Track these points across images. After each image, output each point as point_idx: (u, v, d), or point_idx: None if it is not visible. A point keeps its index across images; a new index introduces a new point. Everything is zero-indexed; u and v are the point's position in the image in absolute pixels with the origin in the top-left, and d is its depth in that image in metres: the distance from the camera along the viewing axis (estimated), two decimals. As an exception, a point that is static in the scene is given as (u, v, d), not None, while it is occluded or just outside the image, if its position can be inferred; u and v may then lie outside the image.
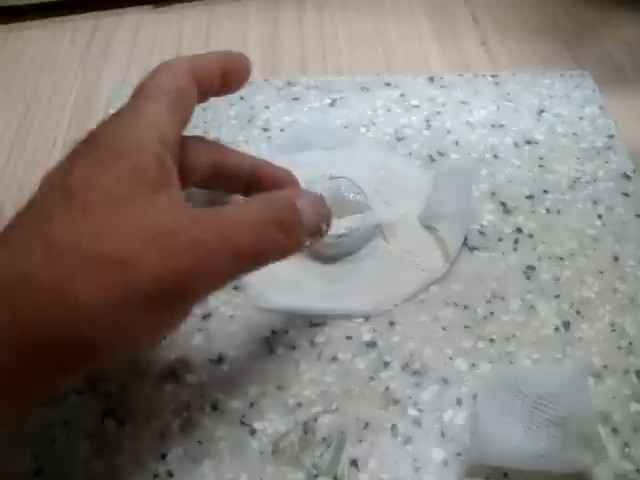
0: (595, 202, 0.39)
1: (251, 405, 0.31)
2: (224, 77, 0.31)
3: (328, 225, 0.30)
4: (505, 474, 0.28)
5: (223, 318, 0.34)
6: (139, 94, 0.28)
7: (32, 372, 0.22)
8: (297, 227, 0.28)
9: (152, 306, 0.23)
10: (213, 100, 0.44)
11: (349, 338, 0.33)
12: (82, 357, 0.23)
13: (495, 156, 0.41)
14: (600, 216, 0.38)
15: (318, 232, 0.29)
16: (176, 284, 0.23)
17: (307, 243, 0.29)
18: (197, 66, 0.30)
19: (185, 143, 0.29)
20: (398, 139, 0.42)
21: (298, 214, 0.28)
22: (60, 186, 0.24)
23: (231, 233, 0.25)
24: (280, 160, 0.39)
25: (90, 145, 0.26)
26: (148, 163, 0.25)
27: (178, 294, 0.24)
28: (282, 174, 0.34)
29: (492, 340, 0.33)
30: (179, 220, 0.25)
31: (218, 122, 0.43)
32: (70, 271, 0.22)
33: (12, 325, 0.22)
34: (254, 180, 0.33)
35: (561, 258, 0.36)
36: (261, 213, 0.26)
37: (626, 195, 0.39)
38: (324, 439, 0.30)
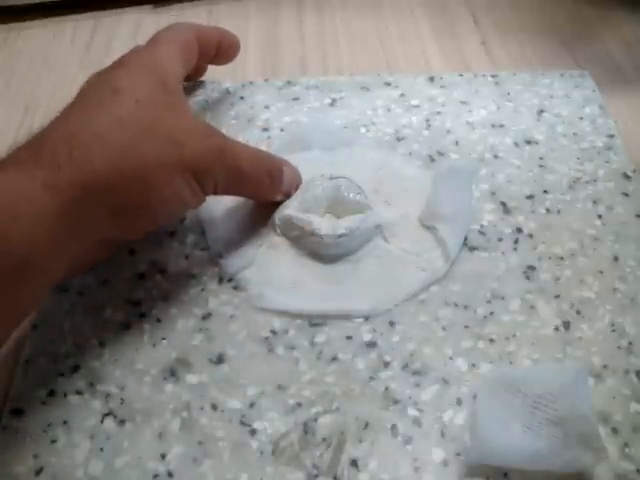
0: (595, 202, 0.39)
1: (251, 405, 0.31)
2: (219, 47, 0.40)
3: (295, 189, 0.37)
4: (505, 474, 0.28)
5: (223, 318, 0.34)
6: (153, 40, 0.36)
7: (98, 214, 0.29)
8: (278, 181, 0.36)
9: (190, 175, 0.31)
10: (213, 100, 0.45)
11: (349, 338, 0.33)
12: (139, 204, 0.30)
13: (495, 156, 0.41)
14: (600, 216, 0.38)
15: (287, 193, 0.37)
16: (203, 167, 0.31)
17: (278, 198, 0.36)
18: (200, 30, 0.39)
19: None
20: (398, 139, 0.42)
21: (282, 173, 0.36)
22: (108, 87, 0.31)
23: (241, 155, 0.33)
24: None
25: (121, 66, 0.33)
26: (172, 82, 0.33)
27: (204, 173, 0.31)
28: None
29: (492, 340, 0.33)
30: (209, 125, 0.34)
31: (218, 122, 0.43)
32: (137, 139, 0.29)
33: (86, 170, 0.28)
34: None
35: (561, 258, 0.36)
36: (263, 158, 0.36)
37: (626, 195, 0.39)
38: (324, 439, 0.30)
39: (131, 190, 0.29)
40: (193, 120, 0.33)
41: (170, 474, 0.29)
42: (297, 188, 0.37)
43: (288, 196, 0.37)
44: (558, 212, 0.38)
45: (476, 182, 0.40)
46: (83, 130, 0.29)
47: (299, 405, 0.31)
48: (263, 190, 0.35)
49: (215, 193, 0.33)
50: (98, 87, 0.32)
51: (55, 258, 0.28)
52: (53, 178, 0.27)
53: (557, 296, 0.34)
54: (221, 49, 0.41)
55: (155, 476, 0.29)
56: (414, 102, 0.45)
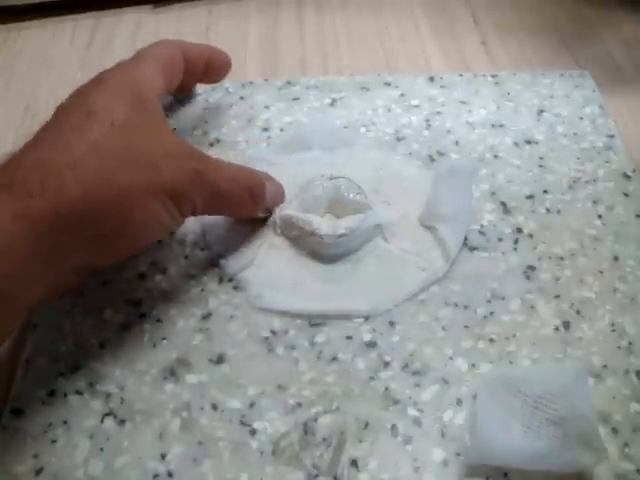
0: (595, 202, 0.39)
1: (251, 405, 0.31)
2: (208, 65, 0.39)
3: (279, 203, 0.37)
4: (505, 474, 0.28)
5: (223, 318, 0.34)
6: (136, 56, 0.35)
7: (73, 243, 0.28)
8: (260, 198, 0.35)
9: (166, 199, 0.30)
10: (213, 100, 0.45)
11: (349, 338, 0.33)
12: (112, 233, 0.29)
13: (495, 156, 0.41)
14: (600, 216, 0.38)
15: (269, 210, 0.37)
16: (180, 189, 0.31)
17: (260, 215, 0.36)
18: (187, 47, 0.38)
19: None
20: (398, 139, 0.42)
21: (264, 190, 0.35)
22: (83, 110, 0.30)
23: (219, 175, 0.33)
24: (280, 160, 0.39)
25: (99, 84, 0.32)
26: (150, 101, 0.32)
27: (182, 195, 0.31)
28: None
29: (492, 340, 0.33)
30: (188, 146, 0.33)
31: (218, 122, 0.43)
32: (112, 165, 0.29)
33: (59, 199, 0.27)
34: None
35: (561, 258, 0.36)
36: (243, 176, 0.35)
37: (626, 195, 0.39)
38: (324, 439, 0.30)
39: (106, 218, 0.29)
40: (170, 141, 0.32)
41: (170, 474, 0.29)
42: (281, 202, 0.37)
43: (270, 212, 0.37)
44: (558, 212, 0.38)
45: (476, 182, 0.40)
46: (56, 156, 0.28)
47: (299, 405, 0.31)
48: (244, 209, 0.35)
49: (194, 214, 0.32)
50: (73, 108, 0.31)
51: (27, 288, 0.27)
52: (24, 208, 0.26)
53: (557, 296, 0.34)
54: (210, 67, 0.40)
55: (155, 476, 0.29)
56: (414, 102, 0.45)
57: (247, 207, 0.35)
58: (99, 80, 0.32)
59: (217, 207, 0.34)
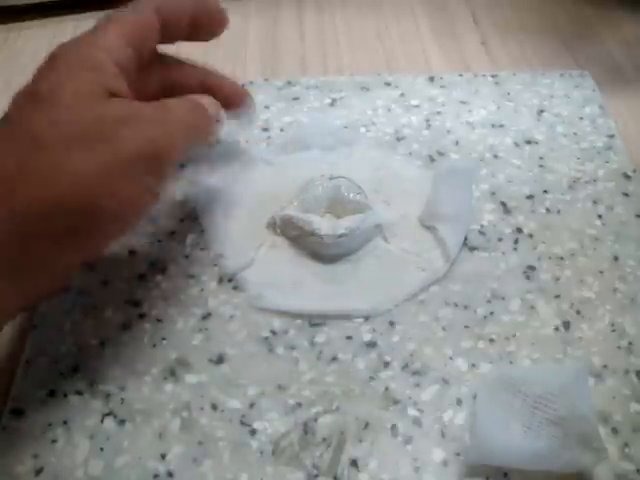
0: (595, 202, 0.39)
1: (251, 405, 0.31)
2: (194, 21, 0.34)
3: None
4: (505, 474, 0.28)
5: (223, 318, 0.34)
6: (101, 22, 0.31)
7: (38, 244, 0.26)
8: (210, 119, 0.33)
9: (135, 171, 0.28)
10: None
11: (349, 338, 0.33)
12: (82, 225, 0.27)
13: (495, 156, 0.41)
14: (600, 216, 0.38)
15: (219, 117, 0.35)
16: (149, 151, 0.28)
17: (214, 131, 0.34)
18: (165, 5, 0.33)
19: (142, 65, 0.32)
20: (398, 139, 0.42)
21: (208, 109, 0.33)
22: (29, 94, 0.28)
23: (179, 113, 0.31)
24: (280, 160, 0.39)
25: (51, 62, 0.29)
26: (104, 70, 0.29)
27: (153, 159, 0.28)
28: (229, 86, 0.37)
29: (492, 340, 0.33)
30: (141, 107, 0.29)
31: (218, 122, 0.43)
32: (60, 152, 0.26)
33: (12, 202, 0.25)
34: (205, 92, 0.35)
35: (561, 258, 0.36)
36: (192, 114, 0.32)
37: (626, 195, 0.39)
38: (324, 439, 0.30)
39: (68, 214, 0.26)
40: (121, 106, 0.29)
41: (170, 474, 0.29)
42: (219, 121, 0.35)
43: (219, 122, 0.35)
44: (558, 212, 0.38)
45: (476, 182, 0.40)
46: (3, 160, 0.26)
47: (299, 405, 0.31)
48: (205, 126, 0.34)
49: (171, 175, 0.31)
50: (22, 94, 0.28)
51: (2, 303, 0.26)
52: None
53: (557, 296, 0.34)
54: (198, 24, 0.34)
55: (155, 476, 0.29)
56: (414, 102, 0.45)
57: (205, 125, 0.34)
58: (51, 58, 0.29)
59: (189, 142, 0.32)
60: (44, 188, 0.26)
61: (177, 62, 0.36)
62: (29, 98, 0.28)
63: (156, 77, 0.35)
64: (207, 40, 0.36)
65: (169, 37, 0.33)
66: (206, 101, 0.33)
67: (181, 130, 0.31)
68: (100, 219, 0.27)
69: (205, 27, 0.35)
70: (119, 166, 0.27)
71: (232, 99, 0.37)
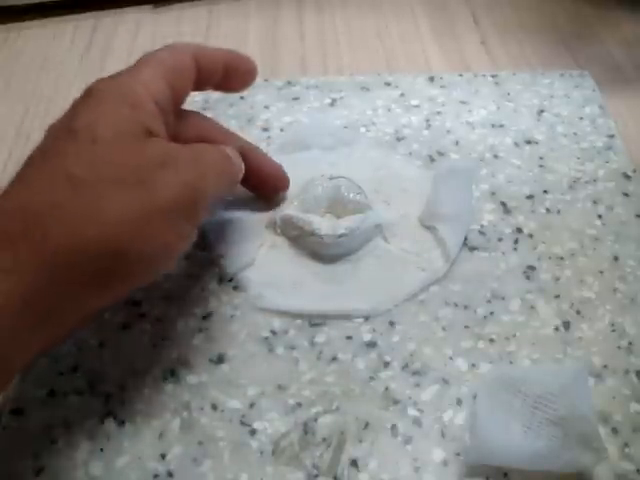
0: (595, 202, 0.39)
1: (251, 405, 0.31)
2: (226, 72, 0.33)
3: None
4: (505, 474, 0.28)
5: (223, 318, 0.34)
6: (139, 61, 0.31)
7: (68, 290, 0.25)
8: (239, 171, 0.33)
9: (171, 217, 0.27)
10: (213, 100, 0.45)
11: (349, 338, 0.33)
12: (114, 271, 0.26)
13: (495, 156, 0.41)
14: (600, 216, 0.38)
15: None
16: (186, 196, 0.28)
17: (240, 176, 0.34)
18: (201, 52, 0.32)
19: (177, 115, 0.32)
20: (398, 139, 0.42)
21: (238, 162, 0.33)
22: (65, 129, 0.27)
23: (212, 158, 0.31)
24: (280, 160, 0.39)
25: (89, 97, 0.28)
26: (143, 109, 0.28)
27: (189, 204, 0.28)
28: (270, 166, 0.37)
29: (492, 340, 0.33)
30: (177, 149, 0.29)
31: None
32: (97, 195, 0.25)
33: (44, 247, 0.24)
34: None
35: (561, 258, 0.36)
36: (225, 165, 0.32)
37: (626, 195, 0.39)
38: (324, 439, 0.30)
39: (98, 258, 0.25)
40: (160, 149, 0.28)
41: (170, 474, 0.29)
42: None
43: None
44: (558, 212, 0.38)
45: (476, 182, 0.40)
46: (37, 197, 0.25)
47: (299, 405, 0.31)
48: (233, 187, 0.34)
49: (209, 215, 0.31)
50: (58, 128, 0.28)
51: (21, 346, 0.25)
52: (10, 262, 0.24)
53: (557, 296, 0.34)
54: (230, 74, 0.34)
55: (155, 476, 0.29)
56: (414, 102, 0.45)
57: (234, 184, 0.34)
58: (88, 93, 0.29)
59: (224, 187, 0.32)
60: (78, 233, 0.25)
61: (216, 124, 0.35)
62: (66, 134, 0.27)
63: (192, 130, 0.33)
64: (236, 91, 0.36)
65: (202, 83, 0.33)
66: (231, 152, 0.33)
67: (213, 176, 0.30)
68: (133, 264, 0.26)
69: (236, 78, 0.34)
70: (157, 212, 0.26)
71: (272, 181, 0.37)
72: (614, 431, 0.30)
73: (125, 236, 0.26)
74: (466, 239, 0.37)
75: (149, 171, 0.27)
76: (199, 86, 0.33)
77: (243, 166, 0.34)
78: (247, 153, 0.35)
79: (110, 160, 0.26)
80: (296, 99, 0.45)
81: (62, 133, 0.27)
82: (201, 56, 0.32)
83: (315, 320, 0.34)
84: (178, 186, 0.27)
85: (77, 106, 0.28)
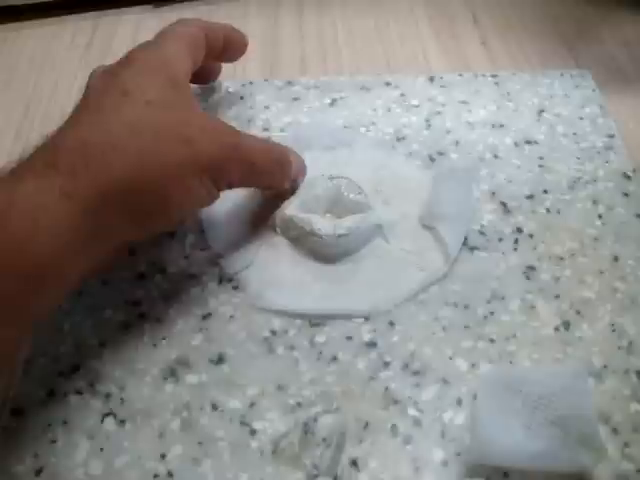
0: (595, 202, 0.39)
1: (251, 405, 0.31)
2: (226, 44, 0.39)
3: (302, 177, 0.38)
4: (505, 474, 0.28)
5: (223, 318, 0.34)
6: (159, 36, 0.35)
7: (113, 218, 0.29)
8: (288, 170, 0.36)
9: (204, 174, 0.31)
10: (213, 100, 0.45)
11: (349, 338, 0.33)
12: (152, 209, 0.30)
13: (495, 156, 0.41)
14: (600, 216, 0.38)
15: (294, 182, 0.37)
16: (217, 164, 0.31)
17: (287, 186, 0.37)
18: (207, 26, 0.38)
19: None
20: (398, 139, 0.42)
21: (290, 162, 0.36)
22: (117, 89, 0.31)
23: (253, 150, 0.34)
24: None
25: (129, 63, 0.32)
26: (181, 80, 0.33)
27: (219, 170, 0.32)
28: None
29: (492, 340, 0.33)
30: (220, 122, 0.34)
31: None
32: (151, 145, 0.30)
33: (102, 179, 0.28)
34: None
35: (561, 258, 0.36)
36: (273, 149, 0.36)
37: (626, 195, 0.39)
38: (324, 439, 0.30)
39: (147, 195, 0.30)
40: (204, 118, 0.33)
41: (170, 474, 0.29)
42: (303, 175, 0.38)
43: (294, 185, 0.37)
44: (558, 212, 0.38)
45: (476, 182, 0.40)
46: (97, 137, 0.29)
47: (299, 405, 0.31)
48: (275, 180, 0.36)
49: (230, 187, 0.33)
50: (108, 89, 0.31)
51: (73, 266, 0.28)
52: (71, 187, 0.27)
53: (557, 296, 0.34)
54: (228, 46, 0.39)
55: (155, 476, 0.29)
56: (414, 102, 0.45)
57: (277, 178, 0.36)
58: (129, 60, 0.33)
59: (251, 180, 0.35)
60: (133, 173, 0.29)
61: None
62: (120, 94, 0.30)
63: None
64: (232, 61, 0.41)
65: (208, 55, 0.38)
66: (295, 158, 0.37)
67: (254, 153, 0.34)
68: (169, 207, 0.31)
69: (233, 48, 0.40)
70: (195, 166, 0.30)
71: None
72: (614, 431, 0.30)
73: (171, 182, 0.30)
74: (466, 239, 0.37)
75: (194, 134, 0.31)
76: (206, 58, 0.38)
77: (298, 181, 0.38)
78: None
79: (163, 121, 0.30)
80: (296, 99, 0.45)
81: (113, 93, 0.31)
82: (209, 30, 0.37)
83: (315, 320, 0.34)
84: (216, 150, 0.31)
85: (119, 70, 0.32)
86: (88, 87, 0.32)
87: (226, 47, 0.39)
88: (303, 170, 0.38)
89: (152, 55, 0.33)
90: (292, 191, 0.37)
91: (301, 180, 0.38)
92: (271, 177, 0.36)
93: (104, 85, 0.32)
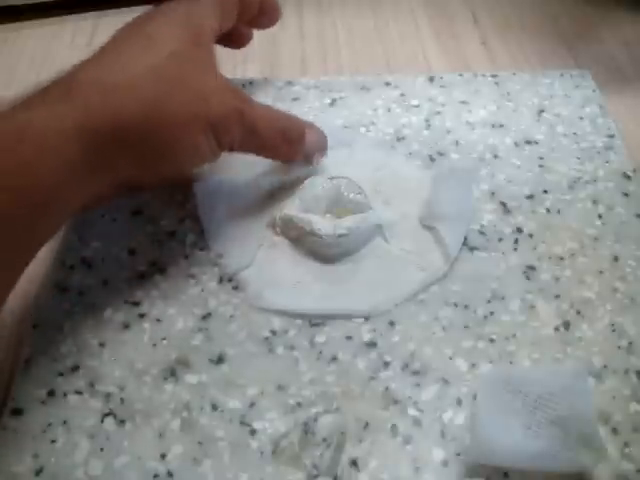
0: (595, 202, 0.39)
1: (251, 405, 0.31)
2: (261, 9, 0.39)
3: (321, 154, 0.38)
4: (505, 474, 0.28)
5: (223, 318, 0.34)
6: None
7: (120, 153, 0.30)
8: (296, 144, 0.36)
9: (209, 131, 0.32)
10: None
11: (349, 338, 0.33)
12: (158, 150, 0.31)
13: (495, 156, 0.41)
14: (600, 216, 0.38)
15: (309, 157, 0.38)
16: (223, 124, 0.32)
17: (298, 159, 0.37)
18: None
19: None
20: (398, 139, 0.42)
21: (302, 137, 0.36)
22: (143, 34, 0.32)
23: (258, 117, 0.34)
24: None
25: (159, 12, 0.33)
26: (205, 37, 0.34)
27: (224, 130, 0.32)
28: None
29: (492, 340, 0.33)
30: (233, 86, 0.34)
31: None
32: (169, 90, 0.31)
33: (118, 117, 0.29)
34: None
35: (561, 258, 0.36)
36: (280, 119, 0.36)
37: (626, 195, 0.39)
38: (324, 439, 0.30)
39: (157, 139, 0.31)
40: (220, 79, 0.34)
41: (170, 474, 0.29)
42: (322, 152, 0.38)
43: (310, 160, 0.38)
44: (558, 212, 0.38)
45: (476, 182, 0.40)
46: (116, 76, 0.30)
47: (299, 405, 0.31)
48: (279, 152, 0.36)
49: (231, 150, 0.34)
50: (133, 32, 0.32)
51: (76, 193, 0.29)
52: (83, 119, 0.28)
53: (557, 296, 0.34)
54: (263, 11, 0.39)
55: (155, 476, 0.29)
56: (414, 102, 0.45)
57: (282, 150, 0.36)
58: (159, 10, 0.34)
59: (252, 146, 0.35)
60: (148, 111, 0.30)
61: None
62: (142, 35, 0.32)
63: None
64: (265, 27, 0.41)
65: (241, 18, 0.37)
66: (312, 133, 0.37)
67: (257, 120, 0.34)
68: (172, 154, 0.32)
69: (268, 13, 0.39)
70: (203, 121, 0.31)
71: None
72: (614, 431, 0.30)
73: (179, 131, 0.31)
74: (466, 239, 0.37)
75: (208, 92, 0.32)
76: (240, 20, 0.37)
77: (316, 158, 0.38)
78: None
79: (183, 74, 0.31)
80: (296, 99, 0.45)
81: (138, 37, 0.32)
82: None
83: (315, 320, 0.34)
84: (226, 111, 0.32)
85: (148, 18, 0.33)
86: (114, 35, 0.33)
87: (261, 12, 0.39)
88: (323, 146, 0.38)
89: (182, 8, 0.34)
90: (309, 166, 0.38)
91: (320, 156, 0.38)
92: (273, 147, 0.36)
93: (130, 31, 0.33)
